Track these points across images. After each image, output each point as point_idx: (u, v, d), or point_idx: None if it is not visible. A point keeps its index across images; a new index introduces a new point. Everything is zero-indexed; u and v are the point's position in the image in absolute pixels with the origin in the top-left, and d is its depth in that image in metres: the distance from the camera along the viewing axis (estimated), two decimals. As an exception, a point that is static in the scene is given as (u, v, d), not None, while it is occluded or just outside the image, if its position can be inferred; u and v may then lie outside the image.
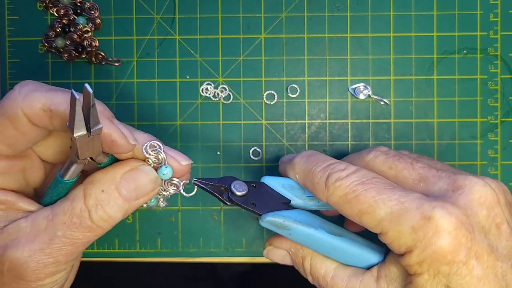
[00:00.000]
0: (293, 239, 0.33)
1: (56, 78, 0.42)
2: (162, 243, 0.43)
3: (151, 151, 0.30)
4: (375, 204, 0.28)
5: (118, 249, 0.42)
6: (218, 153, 0.43)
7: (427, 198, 0.28)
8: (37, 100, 0.28)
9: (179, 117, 0.43)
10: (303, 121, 0.43)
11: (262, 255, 0.42)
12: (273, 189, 0.34)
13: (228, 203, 0.32)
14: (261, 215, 0.32)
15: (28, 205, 0.30)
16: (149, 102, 0.42)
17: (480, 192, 0.28)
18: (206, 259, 0.43)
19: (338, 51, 0.43)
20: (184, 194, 0.33)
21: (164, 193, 0.32)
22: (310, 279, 0.34)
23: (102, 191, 0.29)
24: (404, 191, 0.29)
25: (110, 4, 0.42)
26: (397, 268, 0.30)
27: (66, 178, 0.29)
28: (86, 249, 0.34)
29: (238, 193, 0.32)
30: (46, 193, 0.31)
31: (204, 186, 0.32)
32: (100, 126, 0.26)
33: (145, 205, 0.33)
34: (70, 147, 0.28)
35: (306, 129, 0.43)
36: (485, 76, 0.42)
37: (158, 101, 0.42)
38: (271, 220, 0.32)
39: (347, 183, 0.30)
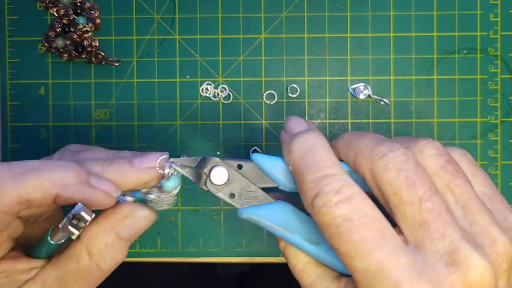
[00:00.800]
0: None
1: (56, 78, 0.42)
2: (162, 243, 0.42)
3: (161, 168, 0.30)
4: (354, 253, 0.24)
5: (118, 249, 0.42)
6: (218, 153, 0.42)
7: (411, 273, 0.24)
8: (10, 195, 0.26)
9: (179, 117, 0.42)
10: (303, 121, 0.43)
11: (262, 255, 0.43)
12: (261, 170, 0.30)
13: (206, 189, 0.30)
14: (238, 209, 0.30)
15: (27, 264, 0.30)
16: (149, 102, 0.42)
17: (475, 276, 0.24)
18: (206, 259, 0.43)
19: (338, 51, 0.43)
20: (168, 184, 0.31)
21: (159, 204, 0.32)
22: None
23: (106, 245, 0.29)
24: (393, 250, 0.24)
25: (110, 4, 0.42)
26: None
27: (56, 241, 0.29)
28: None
29: (217, 183, 0.30)
30: (40, 250, 0.30)
31: (180, 170, 0.30)
32: (90, 218, 0.28)
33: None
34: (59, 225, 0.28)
35: (306, 129, 0.43)
36: (485, 76, 0.42)
37: (158, 101, 0.42)
38: (246, 217, 0.30)
39: (333, 215, 0.25)
